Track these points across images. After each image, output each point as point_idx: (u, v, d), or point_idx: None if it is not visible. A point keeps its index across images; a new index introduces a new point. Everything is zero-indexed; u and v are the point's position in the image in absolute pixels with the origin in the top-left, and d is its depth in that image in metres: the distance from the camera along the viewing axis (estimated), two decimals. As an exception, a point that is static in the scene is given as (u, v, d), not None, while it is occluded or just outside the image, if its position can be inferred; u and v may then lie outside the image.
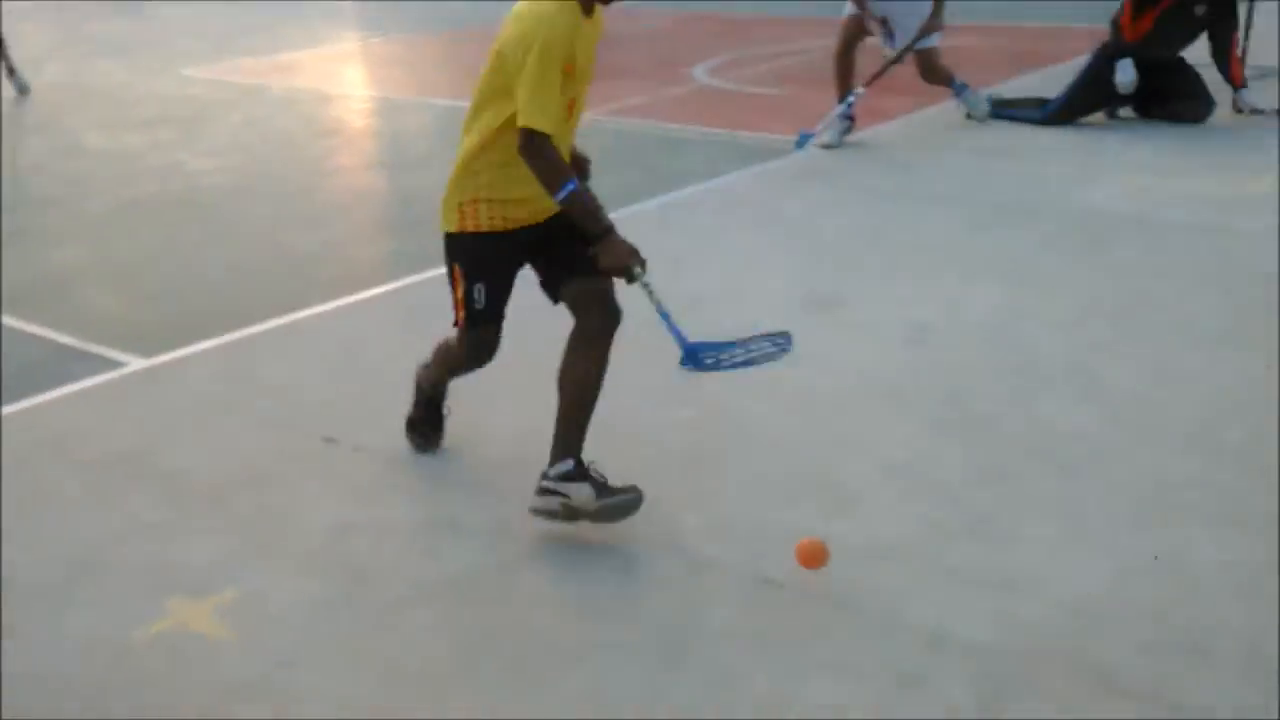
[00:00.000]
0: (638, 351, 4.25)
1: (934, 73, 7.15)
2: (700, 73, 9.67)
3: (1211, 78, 7.27)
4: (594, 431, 3.17)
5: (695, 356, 3.23)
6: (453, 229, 3.13)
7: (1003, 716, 2.40)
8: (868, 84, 6.88)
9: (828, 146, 6.87)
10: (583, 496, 3.04)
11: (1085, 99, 7.33)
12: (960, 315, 4.53)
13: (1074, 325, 4.40)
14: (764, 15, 12.57)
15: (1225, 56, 7.14)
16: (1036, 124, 7.34)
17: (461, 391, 3.61)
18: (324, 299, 4.91)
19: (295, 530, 3.19)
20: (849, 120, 6.96)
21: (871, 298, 4.75)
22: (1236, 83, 7.17)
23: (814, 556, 2.78)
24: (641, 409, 3.85)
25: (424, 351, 3.80)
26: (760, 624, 2.73)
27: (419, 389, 3.59)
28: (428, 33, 12.71)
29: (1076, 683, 2.49)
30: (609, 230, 2.96)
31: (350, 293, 4.98)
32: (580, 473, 3.06)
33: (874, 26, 6.91)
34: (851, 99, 6.86)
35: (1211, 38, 7.14)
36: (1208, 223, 5.41)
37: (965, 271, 5.00)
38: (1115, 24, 7.21)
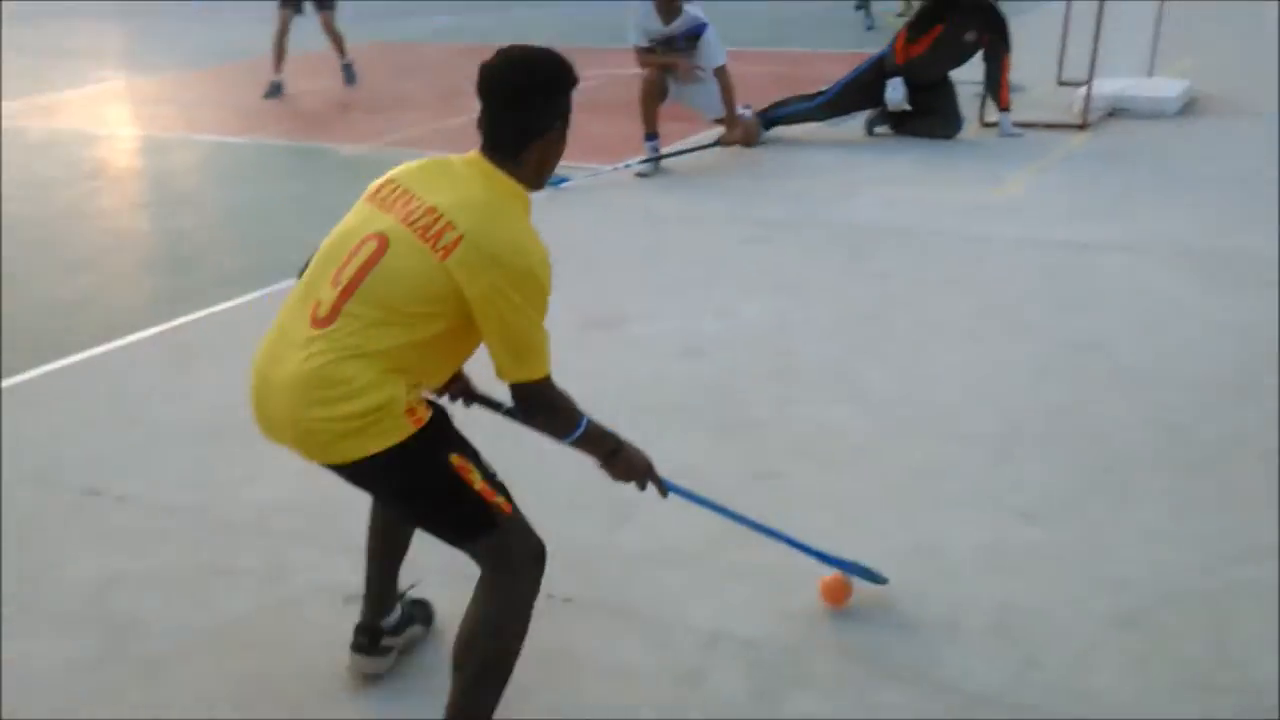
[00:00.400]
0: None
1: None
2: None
3: (962, 93, 7.76)
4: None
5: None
6: (403, 436, 2.22)
7: (779, 708, 2.51)
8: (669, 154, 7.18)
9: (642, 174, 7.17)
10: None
11: (851, 101, 7.75)
12: (734, 326, 4.72)
13: (836, 330, 4.63)
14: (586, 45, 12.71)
15: (997, 82, 7.62)
16: (804, 116, 7.76)
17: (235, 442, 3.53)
18: (87, 346, 4.73)
19: (56, 588, 3.06)
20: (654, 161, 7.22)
21: (650, 314, 4.88)
22: (1003, 105, 7.65)
23: (837, 593, 2.87)
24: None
25: (197, 392, 3.72)
26: (547, 640, 2.78)
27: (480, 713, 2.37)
28: (193, 68, 12.36)
29: (846, 668, 2.63)
30: (619, 448, 2.59)
31: (115, 337, 4.82)
32: None
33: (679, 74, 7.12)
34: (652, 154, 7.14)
35: (985, 61, 7.62)
36: (957, 230, 5.77)
37: (738, 285, 5.20)
38: (891, 46, 7.68)
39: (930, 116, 7.71)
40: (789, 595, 2.90)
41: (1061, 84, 8.81)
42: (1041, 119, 7.87)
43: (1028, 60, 9.18)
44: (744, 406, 3.99)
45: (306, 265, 2.39)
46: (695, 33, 7.04)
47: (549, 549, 2.35)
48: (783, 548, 2.96)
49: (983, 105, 7.87)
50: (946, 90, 7.72)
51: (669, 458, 3.62)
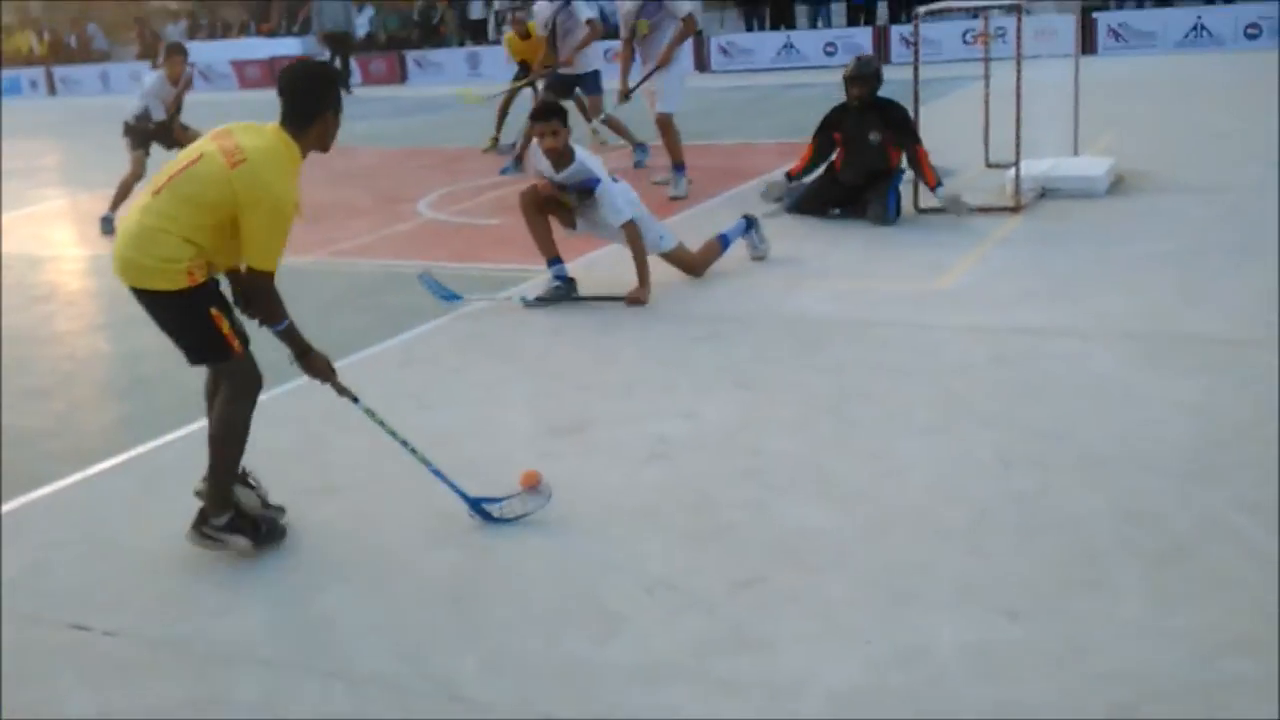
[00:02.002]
0: (397, 495, 4.26)
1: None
2: (423, 207, 9.78)
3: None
4: (362, 578, 3.13)
5: (480, 508, 3.99)
6: (181, 285, 3.62)
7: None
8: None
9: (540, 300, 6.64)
10: (240, 546, 3.81)
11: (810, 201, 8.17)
12: (697, 426, 4.75)
13: (799, 426, 4.68)
14: (473, 149, 12.86)
15: (918, 167, 7.86)
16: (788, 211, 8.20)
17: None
18: (58, 475, 4.67)
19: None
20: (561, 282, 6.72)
21: (612, 418, 4.91)
22: (930, 185, 7.88)
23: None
24: (404, 551, 3.85)
25: (172, 518, 3.70)
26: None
27: (221, 490, 3.83)
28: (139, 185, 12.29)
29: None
30: (309, 351, 3.85)
31: (85, 465, 4.77)
32: (235, 525, 3.81)
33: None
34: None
35: (904, 151, 7.88)
36: (906, 320, 5.89)
37: (696, 384, 5.24)
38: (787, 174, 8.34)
39: (868, 203, 7.92)
40: (781, 702, 2.90)
41: (990, 166, 9.07)
42: (975, 203, 8.07)
43: (954, 144, 9.48)
44: (716, 510, 4.01)
45: None
46: (587, 187, 6.40)
47: (533, 664, 3.08)
48: (773, 654, 2.98)
49: (916, 191, 8.08)
50: (880, 180, 7.93)
51: (646, 567, 3.65)
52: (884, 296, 6.32)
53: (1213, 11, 17.13)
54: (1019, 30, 7.79)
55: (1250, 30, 16.35)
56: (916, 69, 8.12)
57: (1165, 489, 3.88)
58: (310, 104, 3.67)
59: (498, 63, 21.82)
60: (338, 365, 4.01)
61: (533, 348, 5.99)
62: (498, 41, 23.07)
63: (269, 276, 3.64)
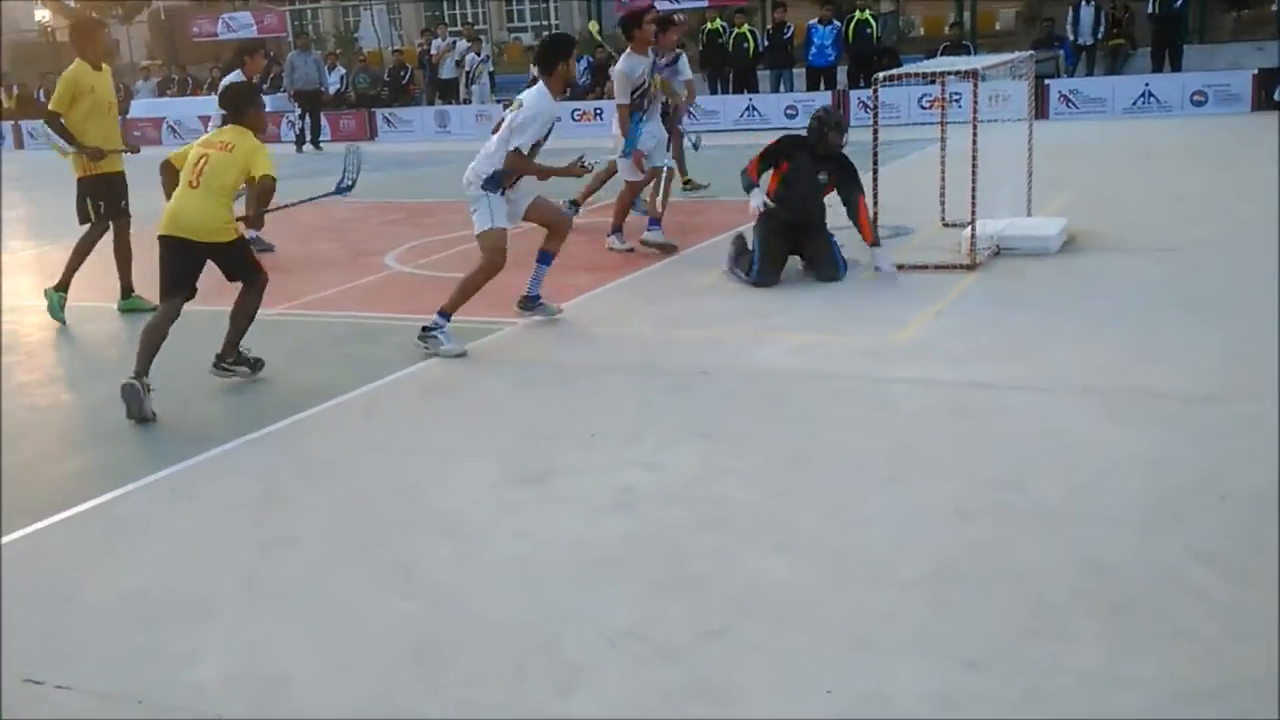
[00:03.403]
0: (360, 546, 4.26)
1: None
2: (390, 260, 9.82)
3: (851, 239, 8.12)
4: (323, 630, 3.12)
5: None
6: (234, 237, 6.29)
7: None
8: None
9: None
10: (243, 371, 6.54)
11: (771, 256, 8.04)
12: (662, 477, 4.78)
13: (763, 477, 4.73)
14: (440, 202, 12.94)
15: (855, 218, 8.01)
16: (750, 283, 7.99)
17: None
18: (17, 526, 4.62)
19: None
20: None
21: (578, 468, 4.93)
22: (868, 240, 8.02)
23: None
24: (365, 602, 3.84)
25: (130, 570, 3.66)
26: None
27: (233, 343, 6.55)
28: (108, 237, 12.23)
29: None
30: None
31: (45, 516, 4.72)
32: (240, 360, 6.53)
33: None
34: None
35: (843, 202, 8.02)
36: (866, 374, 5.97)
37: (661, 435, 5.29)
38: (744, 172, 8.10)
39: (815, 260, 8.04)
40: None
41: (946, 225, 9.25)
42: (931, 260, 8.23)
43: (911, 203, 9.68)
44: (681, 560, 4.04)
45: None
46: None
47: (496, 717, 3.18)
48: (737, 704, 2.99)
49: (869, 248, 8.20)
50: (821, 236, 8.06)
51: (612, 617, 3.67)
52: (844, 350, 6.41)
53: (1160, 79, 17.60)
54: (974, 95, 7.98)
55: (1196, 97, 16.80)
56: (875, 131, 8.29)
57: (1121, 540, 3.95)
58: (251, 109, 6.45)
59: (466, 122, 22.06)
60: (302, 416, 4.02)
61: (499, 398, 6.02)
62: (468, 100, 23.36)
63: (274, 179, 6.21)
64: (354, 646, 3.58)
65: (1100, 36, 19.53)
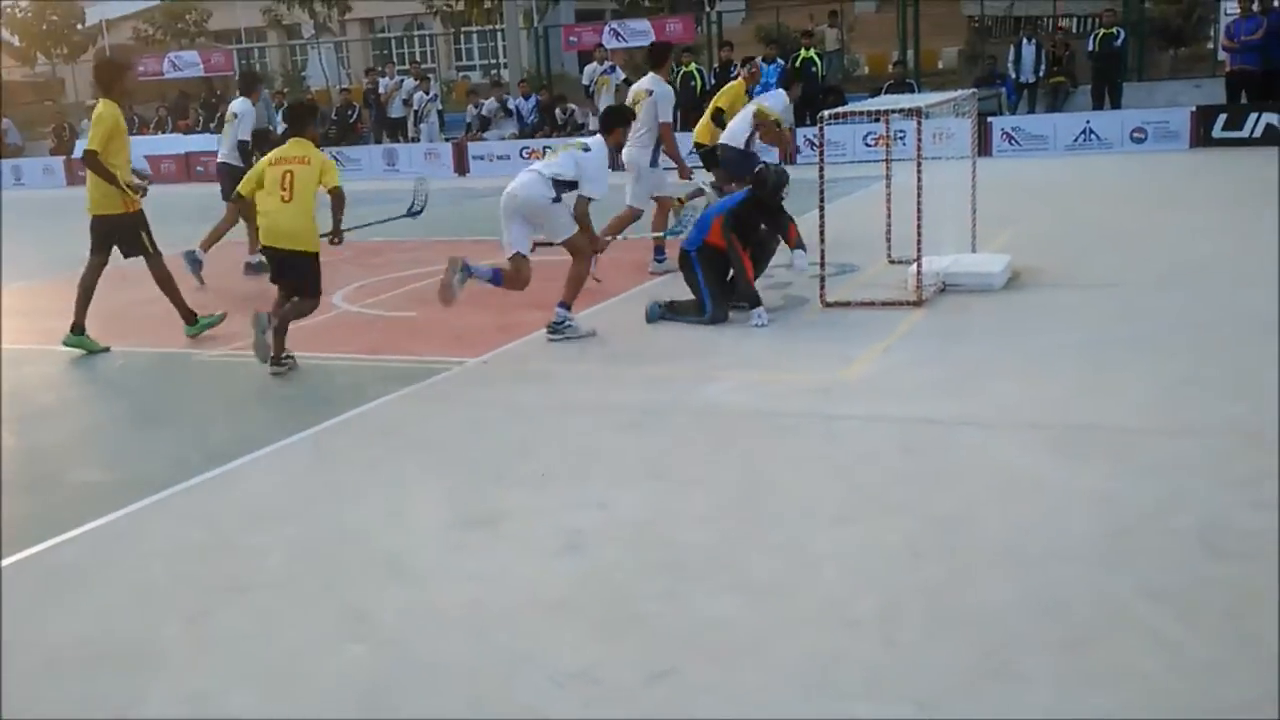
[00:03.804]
0: (309, 592, 4.19)
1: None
2: (339, 299, 9.74)
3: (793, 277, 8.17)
4: (272, 677, 3.05)
5: None
6: (318, 248, 7.40)
7: None
8: None
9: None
10: (291, 363, 7.45)
11: (722, 293, 8.09)
12: (612, 518, 4.76)
13: (713, 516, 4.72)
14: (389, 241, 12.89)
15: (785, 235, 8.22)
16: (706, 324, 7.99)
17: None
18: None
19: None
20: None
21: (527, 509, 4.90)
22: (790, 244, 8.17)
23: None
24: (314, 649, 3.78)
25: (72, 616, 3.58)
26: None
27: (282, 338, 7.36)
28: (41, 278, 12.05)
29: None
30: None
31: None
32: (284, 360, 7.37)
33: None
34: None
35: (773, 234, 8.27)
36: (815, 411, 5.99)
37: (611, 475, 5.27)
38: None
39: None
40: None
41: (892, 262, 9.33)
42: (878, 297, 8.30)
43: (858, 240, 9.77)
44: (630, 602, 4.01)
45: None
46: None
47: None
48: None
49: (822, 286, 8.27)
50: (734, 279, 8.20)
51: (562, 660, 3.63)
52: (794, 388, 6.43)
53: (1100, 116, 17.94)
54: (918, 133, 8.09)
55: (1136, 134, 17.13)
56: (821, 169, 8.37)
57: (1072, 577, 3.97)
58: (307, 120, 7.89)
59: (414, 160, 22.01)
60: (246, 460, 3.96)
61: (447, 439, 5.97)
62: (416, 139, 23.33)
63: (343, 190, 7.53)
64: (303, 694, 3.52)
65: (1041, 75, 19.90)
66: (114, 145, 8.07)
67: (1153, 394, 5.89)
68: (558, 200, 7.77)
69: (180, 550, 4.68)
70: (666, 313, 8.17)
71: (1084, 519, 4.44)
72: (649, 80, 10.12)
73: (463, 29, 34.38)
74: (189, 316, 8.55)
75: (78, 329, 8.33)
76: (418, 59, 31.35)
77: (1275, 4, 16.82)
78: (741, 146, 10.64)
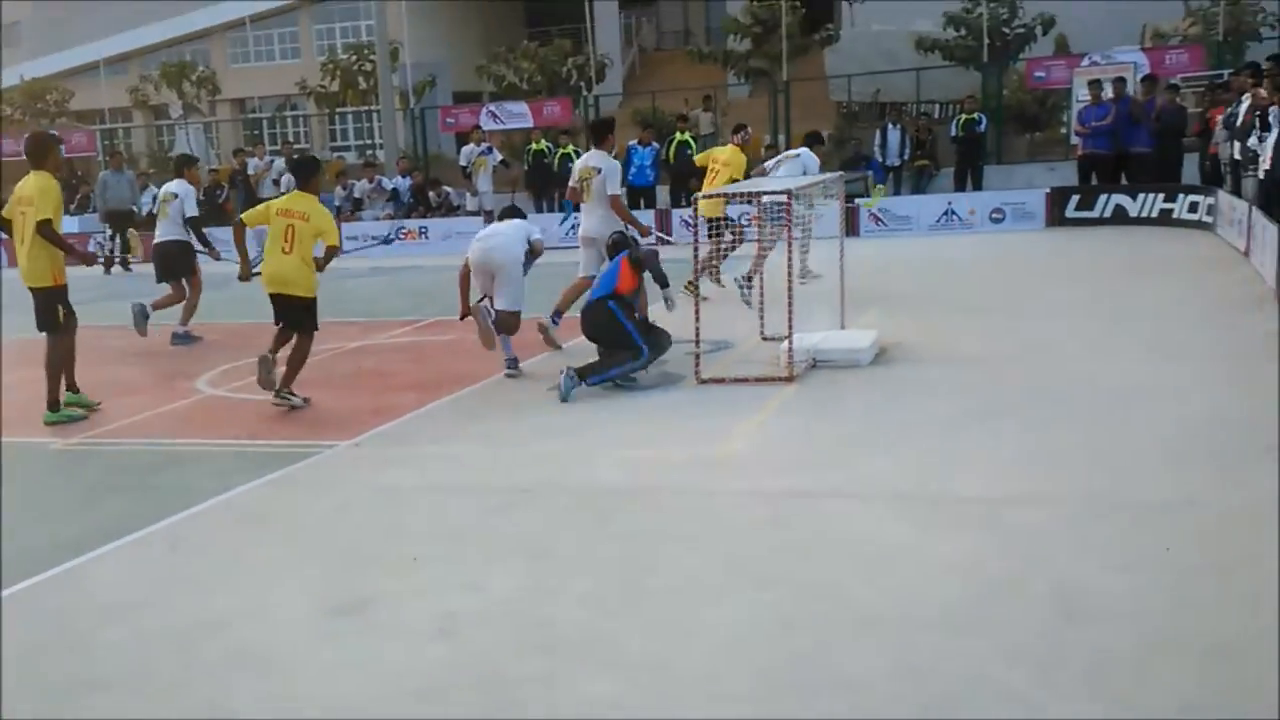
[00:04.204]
0: (168, 686, 4.02)
1: None
2: (203, 384, 9.50)
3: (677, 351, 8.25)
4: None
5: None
6: (315, 293, 8.36)
7: None
8: None
9: None
10: (297, 402, 8.30)
11: (648, 328, 8.38)
12: (485, 599, 4.69)
13: (590, 596, 4.69)
14: (256, 324, 12.67)
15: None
16: (643, 365, 8.28)
17: None
18: None
19: None
20: None
21: (398, 594, 4.80)
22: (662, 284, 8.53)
23: None
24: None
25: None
26: None
27: (295, 374, 8.33)
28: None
29: None
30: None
31: None
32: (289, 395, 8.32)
33: None
34: None
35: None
36: (692, 486, 6.03)
37: (486, 555, 5.20)
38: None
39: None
40: None
41: (765, 339, 9.50)
42: (752, 373, 8.42)
43: (731, 317, 9.94)
44: (505, 686, 3.95)
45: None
46: None
47: None
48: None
49: (697, 364, 8.36)
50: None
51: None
52: (670, 463, 6.46)
53: (962, 198, 18.64)
54: (789, 214, 8.29)
55: (995, 215, 17.81)
56: (696, 249, 8.52)
57: (934, 644, 4.04)
58: (311, 175, 8.83)
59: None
60: (101, 552, 3.80)
61: (315, 525, 5.84)
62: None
63: (339, 245, 8.68)
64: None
65: (906, 158, 20.61)
66: (58, 217, 8.25)
67: (1012, 464, 6.07)
68: (525, 264, 9.07)
69: (28, 650, 4.46)
70: (589, 378, 8.15)
71: (945, 586, 4.53)
72: (595, 157, 10.19)
73: (337, 110, 34.24)
74: (54, 404, 8.28)
75: (55, 405, 8.32)
76: (290, 139, 31.11)
77: (1126, 93, 17.76)
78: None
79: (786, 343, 8.39)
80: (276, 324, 8.40)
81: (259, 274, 8.62)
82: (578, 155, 21.43)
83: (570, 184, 10.45)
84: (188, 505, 6.10)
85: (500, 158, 21.41)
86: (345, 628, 4.50)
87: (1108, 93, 18.08)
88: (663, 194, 21.14)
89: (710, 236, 11.01)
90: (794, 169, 12.11)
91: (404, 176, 22.87)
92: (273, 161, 24.18)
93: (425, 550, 5.32)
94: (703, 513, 5.64)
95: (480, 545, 5.37)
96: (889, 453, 6.38)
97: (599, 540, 5.36)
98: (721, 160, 12.56)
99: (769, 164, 12.78)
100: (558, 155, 21.57)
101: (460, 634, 4.39)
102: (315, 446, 7.14)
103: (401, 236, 20.29)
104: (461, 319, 9.16)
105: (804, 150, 12.70)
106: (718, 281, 11.80)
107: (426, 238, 20.22)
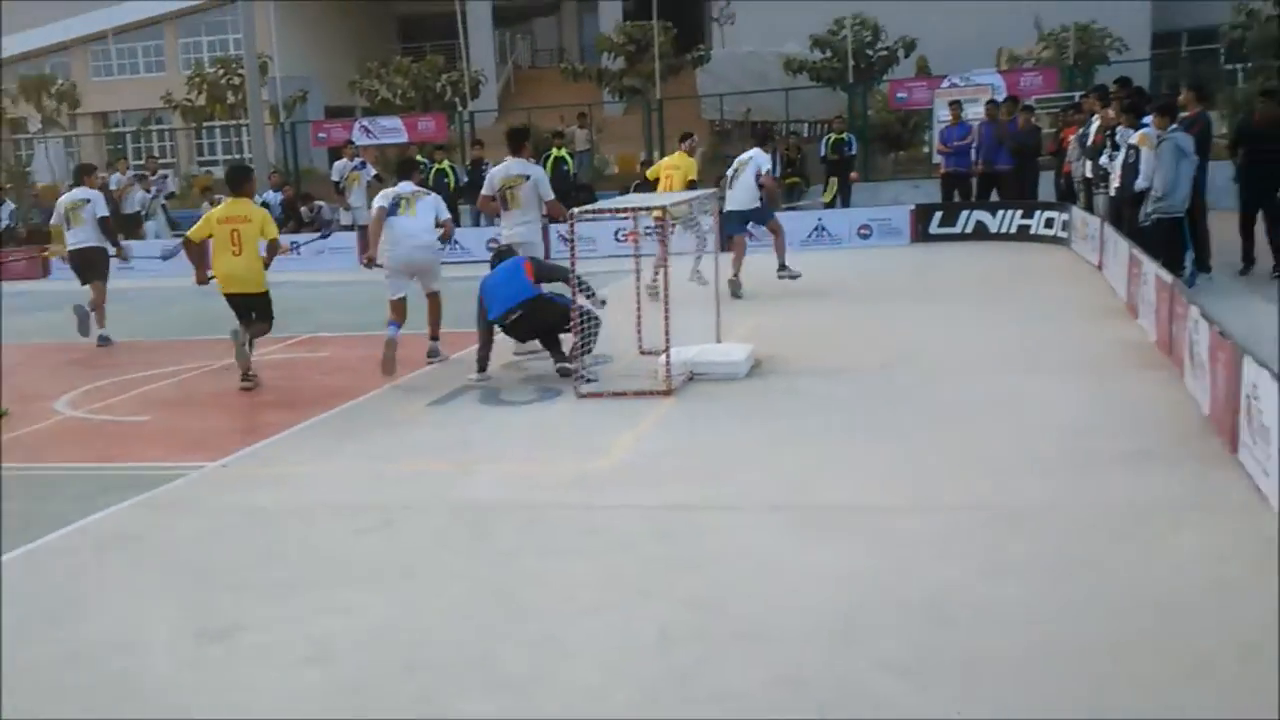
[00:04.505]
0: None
1: None
2: (63, 405, 9.14)
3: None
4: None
5: None
6: (266, 287, 9.40)
7: None
8: None
9: None
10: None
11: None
12: (359, 621, 4.60)
13: (468, 615, 4.63)
14: (120, 342, 12.27)
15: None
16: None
17: None
18: None
19: None
20: None
21: (268, 619, 4.67)
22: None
23: None
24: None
25: None
26: None
27: (248, 355, 9.28)
28: None
29: None
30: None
31: None
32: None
33: None
34: None
35: None
36: (572, 501, 6.01)
37: (360, 577, 5.10)
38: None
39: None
40: None
41: (643, 353, 9.54)
42: (630, 387, 8.45)
43: (610, 333, 9.90)
44: (379, 711, 3.88)
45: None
46: None
47: None
48: None
49: (577, 376, 8.36)
50: None
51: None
52: (550, 478, 6.43)
53: (830, 214, 19.02)
54: (663, 230, 8.35)
55: (863, 231, 18.21)
56: (574, 264, 8.51)
57: (813, 655, 4.09)
58: (243, 181, 9.67)
59: (151, 255, 20.98)
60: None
61: (182, 549, 5.65)
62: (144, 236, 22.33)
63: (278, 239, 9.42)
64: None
65: (777, 175, 20.97)
66: None
67: (885, 473, 6.19)
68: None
69: None
70: (577, 362, 8.52)
71: (823, 597, 4.59)
72: (518, 165, 10.23)
73: (204, 124, 33.37)
74: None
75: None
76: (156, 154, 30.22)
77: (998, 116, 18.32)
78: None
79: (664, 357, 8.44)
80: (238, 317, 9.37)
81: (214, 278, 9.47)
82: (453, 171, 21.38)
83: (484, 194, 10.43)
84: (49, 531, 5.86)
85: (374, 173, 21.10)
86: (215, 655, 4.36)
87: (968, 114, 18.68)
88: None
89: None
90: (751, 169, 13.20)
91: (275, 191, 22.37)
92: (135, 177, 23.39)
93: (297, 573, 5.20)
94: (582, 528, 5.63)
95: (355, 566, 5.26)
96: (765, 464, 6.46)
97: (477, 557, 5.31)
98: (670, 165, 13.77)
99: (729, 173, 13.68)
100: (433, 170, 21.35)
101: (334, 658, 4.29)
102: (181, 468, 6.92)
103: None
104: (368, 265, 10.11)
105: (755, 151, 13.49)
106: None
107: (297, 253, 19.79)
